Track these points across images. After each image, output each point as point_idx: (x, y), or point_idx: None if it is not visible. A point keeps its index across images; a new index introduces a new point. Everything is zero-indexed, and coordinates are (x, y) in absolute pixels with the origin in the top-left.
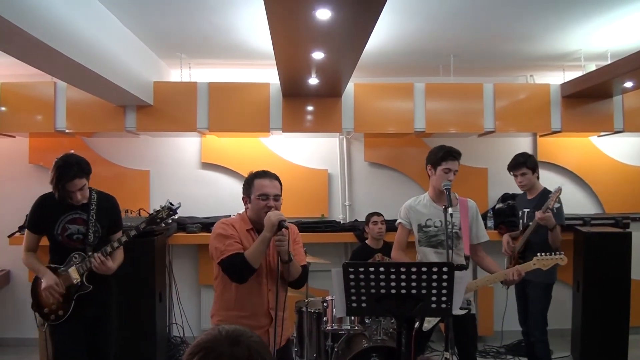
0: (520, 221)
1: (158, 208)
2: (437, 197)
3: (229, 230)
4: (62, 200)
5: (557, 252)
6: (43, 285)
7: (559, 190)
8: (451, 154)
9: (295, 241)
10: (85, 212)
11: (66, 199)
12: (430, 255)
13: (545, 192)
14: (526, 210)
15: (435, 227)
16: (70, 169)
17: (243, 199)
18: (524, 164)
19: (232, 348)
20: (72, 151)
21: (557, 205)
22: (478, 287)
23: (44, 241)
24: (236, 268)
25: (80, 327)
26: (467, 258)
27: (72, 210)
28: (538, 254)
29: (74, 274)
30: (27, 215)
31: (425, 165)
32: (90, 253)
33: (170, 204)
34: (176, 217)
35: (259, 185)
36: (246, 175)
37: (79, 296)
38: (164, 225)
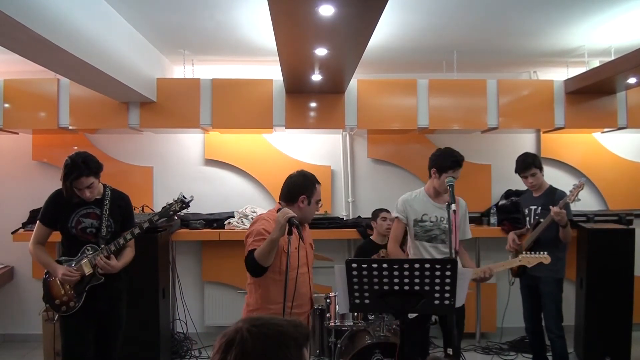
0: (527, 219)
1: (171, 201)
2: (434, 194)
3: (270, 228)
4: (70, 197)
5: (541, 252)
6: (58, 274)
7: (582, 185)
8: (458, 163)
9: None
10: (98, 207)
11: (74, 197)
12: (428, 248)
13: (552, 190)
14: (532, 207)
15: (431, 222)
16: (76, 167)
17: (301, 198)
18: (532, 164)
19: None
20: (76, 148)
21: (578, 200)
22: None
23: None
24: (249, 264)
25: (90, 320)
26: (456, 253)
27: (86, 204)
28: (524, 252)
29: (85, 266)
30: (30, 211)
31: (428, 166)
32: (102, 246)
33: (183, 197)
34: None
35: (319, 191)
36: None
37: (90, 288)
38: (176, 218)
